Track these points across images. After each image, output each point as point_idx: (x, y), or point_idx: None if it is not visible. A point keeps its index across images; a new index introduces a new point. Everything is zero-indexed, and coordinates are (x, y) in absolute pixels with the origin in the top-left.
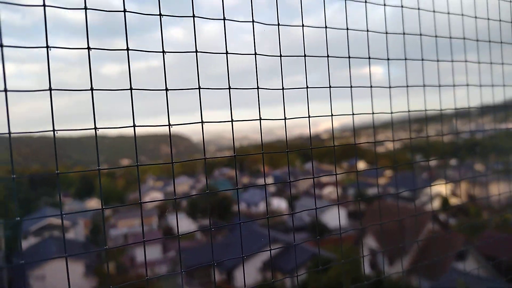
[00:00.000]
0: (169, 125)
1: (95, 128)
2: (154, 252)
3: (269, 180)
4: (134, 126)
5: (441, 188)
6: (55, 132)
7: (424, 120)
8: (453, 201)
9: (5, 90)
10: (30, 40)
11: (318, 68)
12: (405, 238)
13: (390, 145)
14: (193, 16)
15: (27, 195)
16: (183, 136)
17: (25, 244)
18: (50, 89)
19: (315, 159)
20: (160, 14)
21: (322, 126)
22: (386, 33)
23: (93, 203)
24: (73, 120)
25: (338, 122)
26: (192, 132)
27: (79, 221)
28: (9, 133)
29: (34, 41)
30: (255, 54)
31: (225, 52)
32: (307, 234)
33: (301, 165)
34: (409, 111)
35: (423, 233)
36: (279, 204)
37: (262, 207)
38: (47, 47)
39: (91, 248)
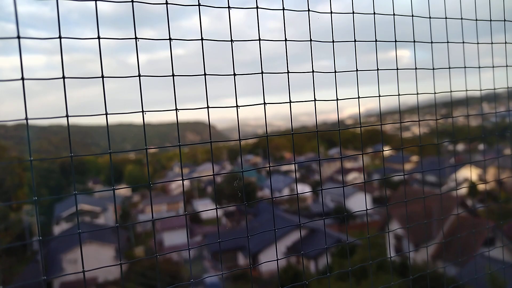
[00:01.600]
0: (176, 109)
1: (106, 114)
2: (180, 237)
3: (294, 166)
4: (142, 111)
5: (468, 173)
6: (68, 117)
7: (452, 104)
8: (481, 186)
9: (22, 79)
10: (58, 32)
11: (345, 52)
12: (431, 224)
13: (416, 131)
14: (198, 5)
15: (58, 182)
16: (207, 123)
17: (58, 229)
18: (64, 77)
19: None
20: (167, 3)
21: (346, 111)
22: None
23: (122, 190)
24: (102, 108)
25: (363, 108)
26: (217, 120)
27: (108, 207)
28: (26, 118)
29: (62, 32)
30: (259, 40)
31: (230, 39)
32: (332, 220)
33: (325, 151)
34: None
35: (449, 218)
36: (303, 190)
37: (285, 192)
38: (60, 37)
39: (121, 233)
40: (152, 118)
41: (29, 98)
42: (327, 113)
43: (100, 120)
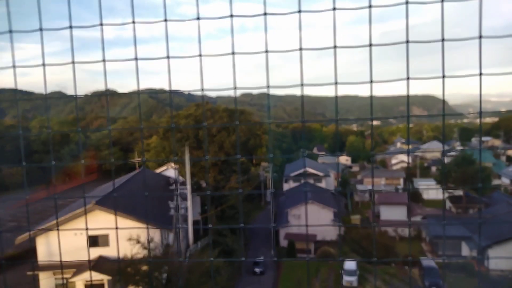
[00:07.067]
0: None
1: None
2: (397, 213)
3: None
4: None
5: None
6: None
7: None
8: None
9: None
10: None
11: None
12: None
13: None
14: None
15: (289, 146)
16: (437, 98)
17: (286, 186)
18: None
19: None
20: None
21: None
22: None
23: (343, 159)
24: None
25: None
26: (450, 95)
27: (330, 173)
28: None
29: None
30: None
31: None
32: None
33: None
34: None
35: None
36: None
37: None
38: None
39: (339, 200)
40: (378, 91)
41: (271, 70)
42: None
43: (328, 92)
